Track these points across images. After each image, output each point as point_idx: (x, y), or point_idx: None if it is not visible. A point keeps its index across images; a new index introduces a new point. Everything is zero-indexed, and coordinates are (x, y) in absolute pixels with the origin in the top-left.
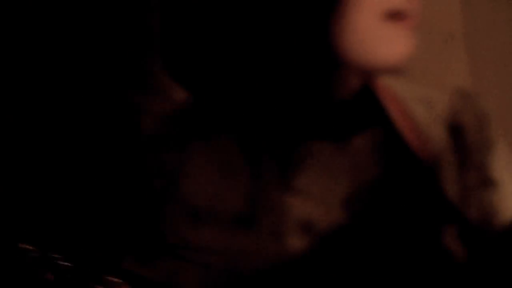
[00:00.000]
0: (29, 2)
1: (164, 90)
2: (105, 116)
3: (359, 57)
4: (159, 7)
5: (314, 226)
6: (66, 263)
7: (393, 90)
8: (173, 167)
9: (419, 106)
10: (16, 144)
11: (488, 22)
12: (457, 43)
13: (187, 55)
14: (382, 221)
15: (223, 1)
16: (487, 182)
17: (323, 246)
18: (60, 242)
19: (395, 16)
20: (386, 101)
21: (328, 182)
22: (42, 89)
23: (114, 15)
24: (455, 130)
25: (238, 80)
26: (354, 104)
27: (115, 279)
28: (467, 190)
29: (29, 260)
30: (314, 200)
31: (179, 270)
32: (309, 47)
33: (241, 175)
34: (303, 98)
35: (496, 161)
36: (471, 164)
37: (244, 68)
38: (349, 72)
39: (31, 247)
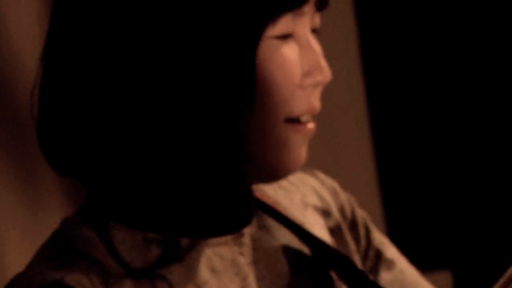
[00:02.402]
0: None
1: None
2: None
3: (264, 160)
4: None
5: None
6: None
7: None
8: None
9: (281, 191)
10: None
11: None
12: None
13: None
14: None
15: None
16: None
17: None
18: None
19: (295, 121)
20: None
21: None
22: None
23: None
24: (342, 214)
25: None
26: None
27: None
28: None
29: None
30: None
31: None
32: (216, 146)
33: None
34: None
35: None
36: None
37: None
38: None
39: None
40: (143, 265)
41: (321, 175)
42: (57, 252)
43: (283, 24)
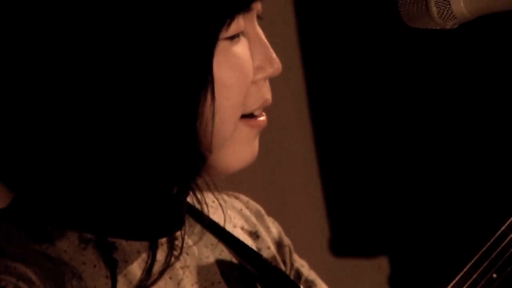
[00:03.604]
0: None
1: None
2: None
3: (219, 159)
4: None
5: None
6: None
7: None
8: None
9: (210, 208)
10: None
11: None
12: None
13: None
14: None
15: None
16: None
17: None
18: None
19: (248, 117)
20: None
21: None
22: None
23: None
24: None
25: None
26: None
27: None
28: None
29: None
30: None
31: None
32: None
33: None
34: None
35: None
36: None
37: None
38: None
39: None
40: (80, 267)
41: (245, 198)
42: None
43: (235, 24)
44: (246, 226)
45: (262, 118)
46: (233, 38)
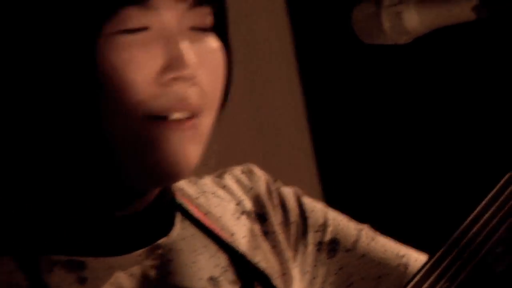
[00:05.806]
0: None
1: None
2: None
3: (140, 162)
4: None
5: None
6: None
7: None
8: None
9: (215, 199)
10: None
11: None
12: None
13: None
14: None
15: None
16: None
17: None
18: None
19: (162, 119)
20: (184, 203)
21: None
22: None
23: None
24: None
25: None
26: (154, 211)
27: None
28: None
29: None
30: None
31: None
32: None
33: None
34: (83, 211)
35: None
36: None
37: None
38: (136, 183)
39: None
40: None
41: (257, 172)
42: None
43: (131, 18)
44: (254, 209)
45: (188, 122)
46: (131, 32)
